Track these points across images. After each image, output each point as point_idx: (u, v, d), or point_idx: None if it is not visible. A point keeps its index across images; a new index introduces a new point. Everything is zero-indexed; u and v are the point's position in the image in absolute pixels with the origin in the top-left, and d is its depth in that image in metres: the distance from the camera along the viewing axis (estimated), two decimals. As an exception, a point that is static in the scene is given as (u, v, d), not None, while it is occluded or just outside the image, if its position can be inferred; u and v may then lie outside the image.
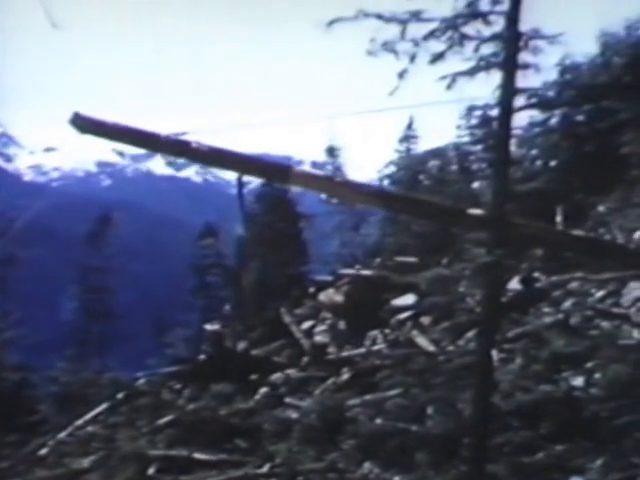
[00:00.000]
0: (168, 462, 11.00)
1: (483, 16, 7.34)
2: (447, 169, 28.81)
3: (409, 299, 16.83)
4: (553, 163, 21.87)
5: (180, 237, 48.52)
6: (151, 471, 10.84)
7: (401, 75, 7.51)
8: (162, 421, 12.79)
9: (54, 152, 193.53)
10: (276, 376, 14.61)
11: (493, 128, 20.89)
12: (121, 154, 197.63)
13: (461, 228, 12.43)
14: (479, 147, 26.66)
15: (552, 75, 20.14)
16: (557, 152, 21.58)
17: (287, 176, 7.53)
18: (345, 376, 13.54)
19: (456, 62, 7.47)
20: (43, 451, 13.54)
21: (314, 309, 18.93)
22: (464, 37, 7.38)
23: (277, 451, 10.40)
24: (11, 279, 25.33)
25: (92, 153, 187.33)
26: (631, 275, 12.98)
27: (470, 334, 13.26)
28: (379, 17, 7.32)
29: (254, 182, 30.72)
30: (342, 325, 17.38)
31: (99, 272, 29.67)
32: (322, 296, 19.06)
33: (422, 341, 14.24)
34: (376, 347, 15.10)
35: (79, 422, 14.81)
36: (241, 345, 16.80)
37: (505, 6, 7.22)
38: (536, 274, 15.49)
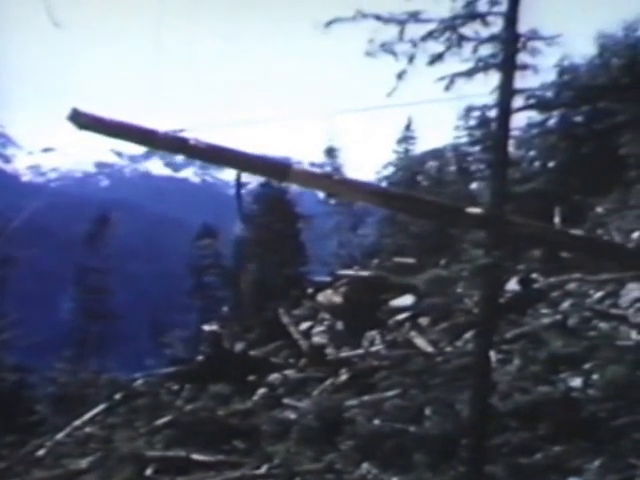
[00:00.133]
0: (166, 463, 10.98)
1: (481, 17, 7.35)
2: (445, 170, 28.85)
3: (407, 300, 16.83)
4: (551, 164, 21.91)
5: (178, 237, 48.47)
6: (149, 472, 10.82)
7: (400, 76, 7.51)
8: (160, 422, 12.77)
9: (52, 152, 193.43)
10: (274, 377, 14.60)
11: (491, 129, 20.86)
12: (119, 154, 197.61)
13: (460, 227, 12.44)
14: (477, 148, 26.71)
15: (550, 76, 20.18)
16: (555, 153, 21.61)
17: (286, 174, 7.52)
18: (343, 377, 13.53)
19: (454, 63, 7.48)
20: (41, 452, 13.53)
21: (312, 310, 18.93)
22: (462, 38, 7.39)
23: (275, 452, 10.39)
24: (9, 279, 25.29)
25: (90, 154, 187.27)
26: (629, 276, 12.99)
27: (468, 335, 13.27)
28: (377, 18, 7.33)
29: (252, 183, 30.72)
30: (340, 326, 17.38)
31: (97, 272, 29.63)
32: (320, 297, 19.06)
33: (420, 342, 14.23)
34: (374, 348, 15.10)
35: (77, 423, 14.79)
36: (239, 346, 16.79)
37: (503, 7, 7.22)
38: (534, 275, 15.50)
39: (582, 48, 21.54)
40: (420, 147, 32.21)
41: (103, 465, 11.47)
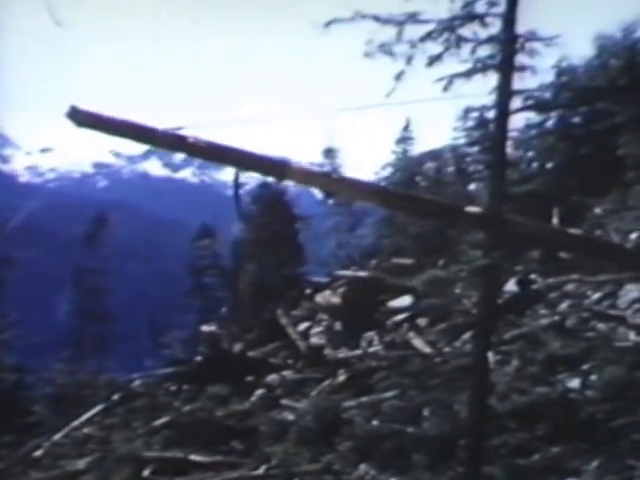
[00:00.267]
0: (164, 464, 10.96)
1: (480, 18, 7.35)
2: (444, 171, 28.87)
3: (405, 301, 16.83)
4: (549, 165, 21.94)
5: (176, 238, 48.49)
6: (146, 473, 10.80)
7: (398, 77, 7.51)
8: (158, 422, 12.76)
9: (50, 153, 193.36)
10: (272, 377, 14.59)
11: (490, 130, 20.87)
12: (117, 155, 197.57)
13: (459, 226, 12.44)
14: (476, 149, 26.70)
15: (548, 77, 20.18)
16: (553, 154, 21.64)
17: (284, 172, 7.49)
18: (341, 378, 13.52)
19: (453, 64, 7.49)
20: (38, 452, 13.50)
21: (310, 310, 18.92)
22: (461, 39, 7.38)
23: (273, 453, 10.38)
24: (7, 280, 25.25)
25: (88, 154, 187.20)
26: (628, 277, 13.00)
27: (466, 336, 13.27)
28: (376, 19, 7.32)
29: (251, 183, 30.72)
30: (338, 326, 17.38)
31: (95, 273, 29.59)
32: (318, 297, 19.05)
33: (418, 343, 14.23)
34: (372, 349, 15.09)
35: (75, 423, 14.75)
36: (237, 346, 16.77)
37: (501, 8, 7.23)
38: (532, 276, 15.51)
39: (580, 49, 21.61)
40: (418, 148, 32.26)
41: (101, 466, 11.45)
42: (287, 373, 14.85)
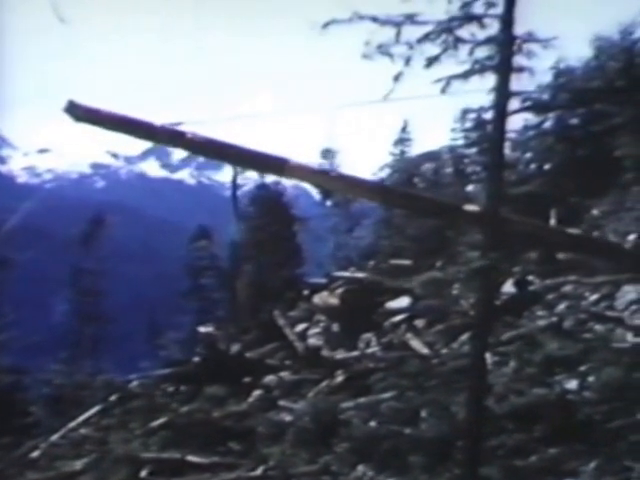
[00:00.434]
0: (161, 465, 10.95)
1: (478, 19, 7.35)
2: (442, 172, 28.88)
3: (403, 302, 16.83)
4: (547, 166, 21.94)
5: (174, 239, 48.45)
6: (144, 474, 10.79)
7: (396, 78, 7.51)
8: (155, 423, 12.74)
9: (48, 154, 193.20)
10: (270, 378, 14.58)
11: (487, 131, 20.92)
12: (115, 156, 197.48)
13: (457, 224, 12.44)
14: (473, 150, 26.72)
15: (546, 78, 20.22)
16: (551, 155, 21.65)
17: (282, 168, 7.47)
18: (339, 379, 13.52)
19: (451, 65, 7.49)
20: (35, 453, 13.47)
21: (308, 312, 18.92)
22: (459, 40, 7.39)
23: (270, 454, 10.38)
24: (4, 281, 25.22)
25: (86, 155, 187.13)
26: (625, 278, 13.02)
27: (464, 337, 13.27)
28: (374, 20, 7.32)
29: (248, 184, 30.72)
30: (336, 328, 17.37)
31: (92, 274, 29.55)
32: (316, 299, 19.04)
33: (416, 344, 14.23)
34: (370, 350, 15.09)
35: (72, 424, 14.73)
36: (235, 347, 16.76)
37: (499, 9, 7.23)
38: (530, 277, 15.52)
39: (578, 51, 21.62)
40: (416, 149, 32.29)
41: (98, 467, 11.44)
42: (285, 374, 14.84)
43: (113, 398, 15.57)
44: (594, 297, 13.41)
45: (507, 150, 9.67)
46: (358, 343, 15.76)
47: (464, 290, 14.51)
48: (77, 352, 27.82)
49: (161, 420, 12.76)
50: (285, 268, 26.05)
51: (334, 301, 18.25)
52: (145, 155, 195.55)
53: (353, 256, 29.62)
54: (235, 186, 26.78)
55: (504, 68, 7.28)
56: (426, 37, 7.35)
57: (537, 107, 20.57)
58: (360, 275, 20.00)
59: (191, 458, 10.86)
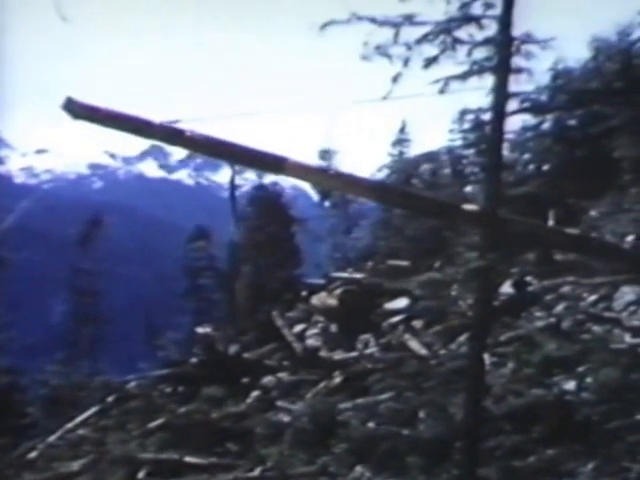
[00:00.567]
0: (158, 466, 10.95)
1: (476, 20, 7.36)
2: (440, 173, 28.85)
3: (401, 302, 16.82)
4: (545, 167, 21.94)
5: (172, 240, 48.41)
6: (141, 475, 10.79)
7: (395, 79, 7.51)
8: (153, 424, 12.74)
9: (46, 154, 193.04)
10: (268, 379, 14.58)
11: (486, 132, 20.93)
12: (113, 156, 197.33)
13: (455, 223, 12.43)
14: (472, 151, 26.71)
15: (544, 80, 20.20)
16: (549, 156, 21.65)
17: (281, 166, 7.44)
18: (337, 380, 13.51)
19: (449, 66, 7.49)
20: (32, 454, 13.46)
21: (306, 312, 18.90)
22: (457, 41, 7.39)
23: (268, 455, 10.38)
24: (1, 281, 25.18)
25: (84, 155, 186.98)
26: (623, 279, 13.02)
27: (462, 338, 13.26)
28: (372, 20, 7.32)
29: (246, 185, 30.73)
30: (334, 328, 17.36)
31: (90, 275, 29.55)
32: (314, 299, 19.03)
33: (414, 345, 14.23)
34: (368, 350, 15.08)
35: (69, 425, 14.73)
36: (233, 348, 16.75)
37: (498, 10, 7.23)
38: (528, 278, 15.51)
39: (576, 52, 21.60)
40: (414, 150, 32.26)
41: (95, 468, 11.44)
42: (283, 375, 14.83)
43: (111, 399, 15.56)
44: (592, 298, 13.41)
45: (505, 151, 9.67)
46: (356, 344, 15.75)
47: (462, 291, 14.51)
48: (74, 353, 27.80)
49: (159, 421, 12.76)
50: (283, 269, 26.02)
51: (332, 302, 18.24)
52: (143, 156, 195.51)
53: (351, 257, 29.60)
54: (233, 187, 26.85)
55: (502, 69, 7.29)
56: (424, 38, 7.35)
57: (535, 108, 20.57)
58: (358, 276, 19.99)
59: (189, 459, 10.87)
